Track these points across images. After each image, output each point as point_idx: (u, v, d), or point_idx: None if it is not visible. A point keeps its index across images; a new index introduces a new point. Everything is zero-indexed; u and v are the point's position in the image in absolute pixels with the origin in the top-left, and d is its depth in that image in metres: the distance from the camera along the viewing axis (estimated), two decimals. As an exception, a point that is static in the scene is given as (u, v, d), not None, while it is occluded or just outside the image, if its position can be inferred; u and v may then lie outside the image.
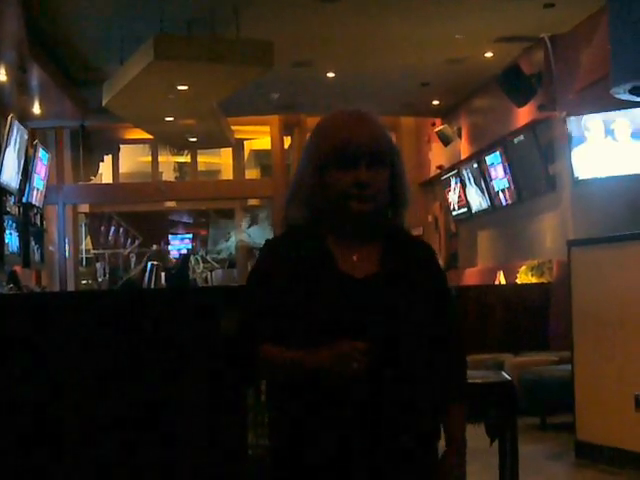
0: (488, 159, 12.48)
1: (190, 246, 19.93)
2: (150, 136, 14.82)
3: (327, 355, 2.09)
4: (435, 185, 15.88)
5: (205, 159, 19.72)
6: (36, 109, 12.19)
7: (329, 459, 2.15)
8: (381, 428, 2.15)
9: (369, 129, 2.26)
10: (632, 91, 6.74)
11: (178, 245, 20.01)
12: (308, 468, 2.18)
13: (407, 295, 2.23)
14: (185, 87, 10.09)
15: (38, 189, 13.31)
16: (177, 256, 17.32)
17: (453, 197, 14.46)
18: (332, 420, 2.14)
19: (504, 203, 12.25)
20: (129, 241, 18.72)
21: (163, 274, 11.84)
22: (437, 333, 2.27)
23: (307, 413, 2.17)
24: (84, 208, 17.83)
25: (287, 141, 17.19)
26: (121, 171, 17.98)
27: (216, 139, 14.41)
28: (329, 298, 2.18)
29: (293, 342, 2.16)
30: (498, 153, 12.10)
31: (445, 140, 14.19)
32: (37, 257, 13.45)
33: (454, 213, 14.59)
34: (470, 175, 13.33)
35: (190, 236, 20.53)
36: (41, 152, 13.40)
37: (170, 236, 20.04)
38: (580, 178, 9.48)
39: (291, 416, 2.21)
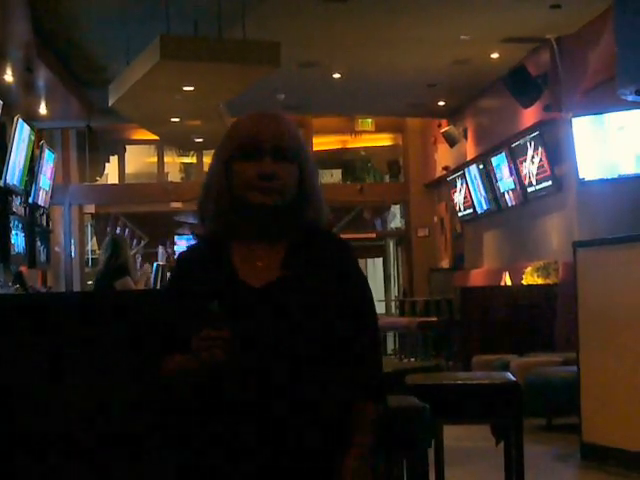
0: (494, 160, 12.49)
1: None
2: (156, 137, 14.83)
3: (193, 342, 2.10)
4: (441, 186, 15.89)
5: (211, 160, 19.73)
6: (42, 109, 12.21)
7: (220, 456, 2.15)
8: (270, 430, 2.13)
9: (275, 125, 2.27)
10: (638, 92, 6.75)
11: (184, 246, 20.01)
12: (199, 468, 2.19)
13: (304, 301, 2.18)
14: (191, 87, 10.09)
15: (44, 190, 13.32)
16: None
17: (459, 198, 14.46)
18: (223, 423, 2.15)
19: (510, 204, 12.25)
20: (135, 242, 18.72)
21: (169, 274, 11.82)
22: (343, 334, 2.21)
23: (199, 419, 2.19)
24: (90, 209, 17.82)
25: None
26: (127, 172, 17.99)
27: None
28: (228, 312, 2.15)
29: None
30: (504, 154, 12.10)
31: (451, 141, 14.19)
32: (43, 258, 13.46)
33: (460, 214, 14.59)
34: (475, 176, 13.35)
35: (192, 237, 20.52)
36: (47, 152, 13.41)
37: (176, 237, 20.04)
38: (586, 179, 9.47)
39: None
